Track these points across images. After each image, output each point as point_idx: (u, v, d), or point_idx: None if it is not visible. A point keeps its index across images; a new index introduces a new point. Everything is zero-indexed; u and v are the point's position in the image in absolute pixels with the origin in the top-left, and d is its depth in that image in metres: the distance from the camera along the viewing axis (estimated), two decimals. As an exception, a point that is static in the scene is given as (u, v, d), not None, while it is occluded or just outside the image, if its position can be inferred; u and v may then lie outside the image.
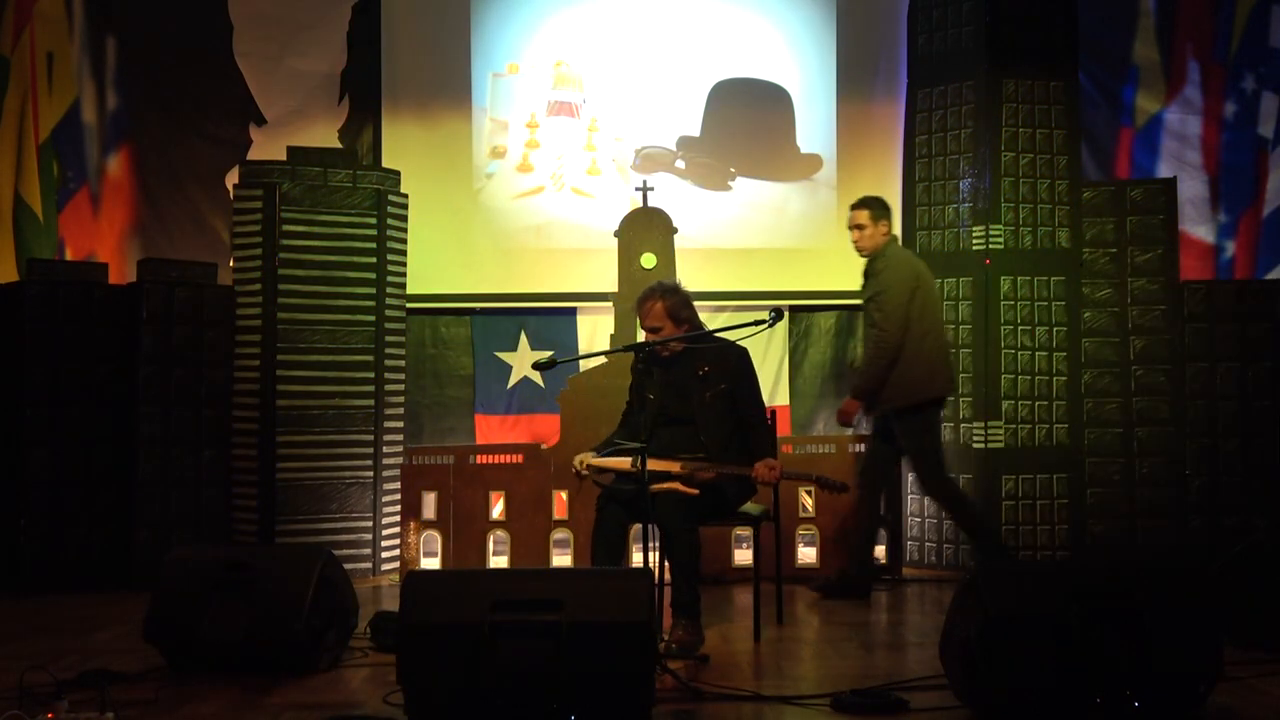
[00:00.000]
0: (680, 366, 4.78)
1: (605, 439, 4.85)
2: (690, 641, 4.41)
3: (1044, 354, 6.38)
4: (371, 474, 6.34)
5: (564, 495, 6.21)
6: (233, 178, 7.03)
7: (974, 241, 6.42)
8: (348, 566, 5.03)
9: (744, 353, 4.84)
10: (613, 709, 3.39)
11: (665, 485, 4.56)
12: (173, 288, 6.20)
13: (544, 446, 6.40)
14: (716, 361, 4.76)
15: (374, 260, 6.38)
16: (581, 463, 4.71)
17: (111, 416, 6.13)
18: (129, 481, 6.10)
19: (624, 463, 4.62)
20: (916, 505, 6.51)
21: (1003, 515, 6.26)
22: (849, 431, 6.23)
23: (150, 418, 6.11)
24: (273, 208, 6.21)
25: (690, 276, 6.77)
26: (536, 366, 4.74)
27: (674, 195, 7.24)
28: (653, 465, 4.52)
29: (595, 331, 7.39)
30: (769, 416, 5.02)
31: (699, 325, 4.85)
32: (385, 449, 6.40)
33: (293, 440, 6.19)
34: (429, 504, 6.17)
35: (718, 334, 4.85)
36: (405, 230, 6.59)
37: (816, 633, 5.00)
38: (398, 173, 6.69)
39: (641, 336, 4.92)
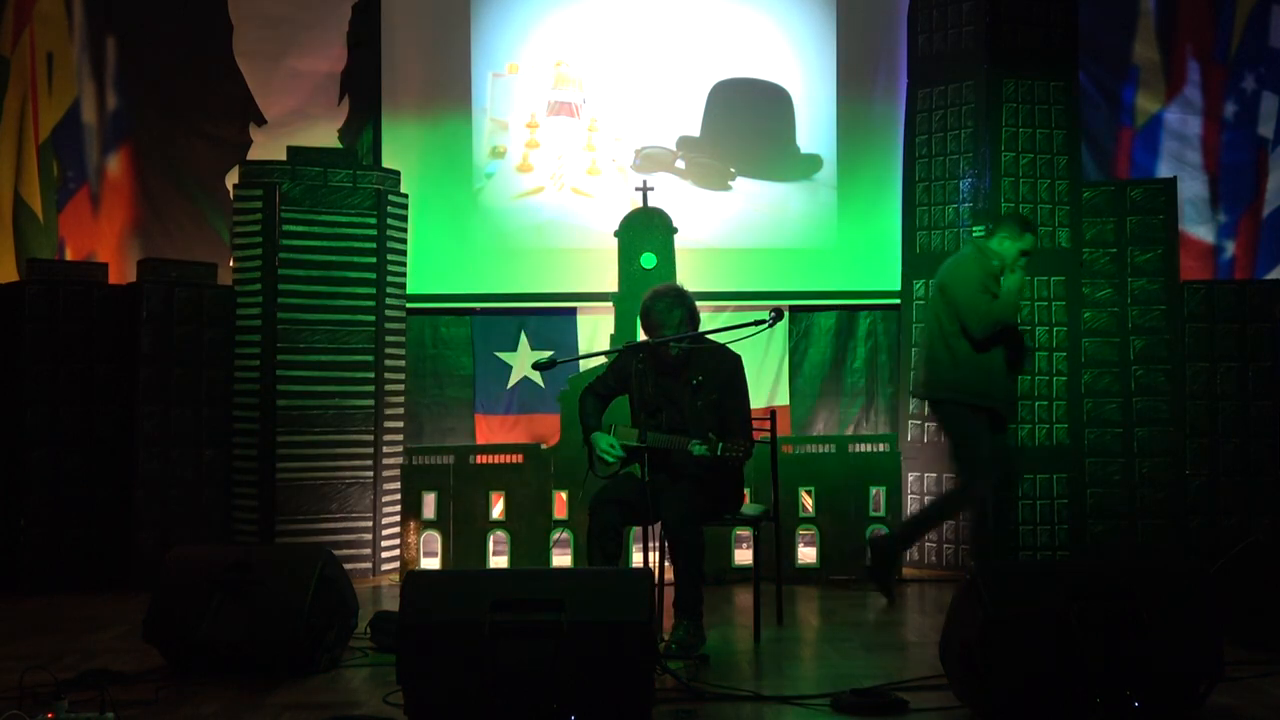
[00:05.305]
0: (675, 375, 4.74)
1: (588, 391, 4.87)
2: (690, 642, 4.41)
3: (1044, 354, 6.38)
4: (371, 474, 6.34)
5: (564, 495, 6.21)
6: (233, 178, 7.03)
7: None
8: (348, 566, 5.03)
9: (738, 361, 4.80)
10: (613, 709, 3.39)
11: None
12: (173, 288, 6.20)
13: (544, 446, 6.40)
14: (710, 370, 4.71)
15: (374, 260, 6.38)
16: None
17: (111, 416, 6.12)
18: (129, 481, 6.09)
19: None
20: (916, 505, 6.50)
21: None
22: (849, 430, 6.22)
23: (150, 418, 6.11)
24: (273, 208, 6.22)
25: (690, 276, 6.79)
26: (536, 366, 4.75)
27: (674, 195, 7.23)
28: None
29: (595, 331, 7.38)
30: (769, 417, 5.02)
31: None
32: (385, 449, 6.40)
33: (293, 440, 6.20)
34: (429, 504, 6.17)
35: (715, 333, 4.82)
36: (405, 230, 6.59)
37: (816, 633, 5.00)
38: (398, 173, 6.70)
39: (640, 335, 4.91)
